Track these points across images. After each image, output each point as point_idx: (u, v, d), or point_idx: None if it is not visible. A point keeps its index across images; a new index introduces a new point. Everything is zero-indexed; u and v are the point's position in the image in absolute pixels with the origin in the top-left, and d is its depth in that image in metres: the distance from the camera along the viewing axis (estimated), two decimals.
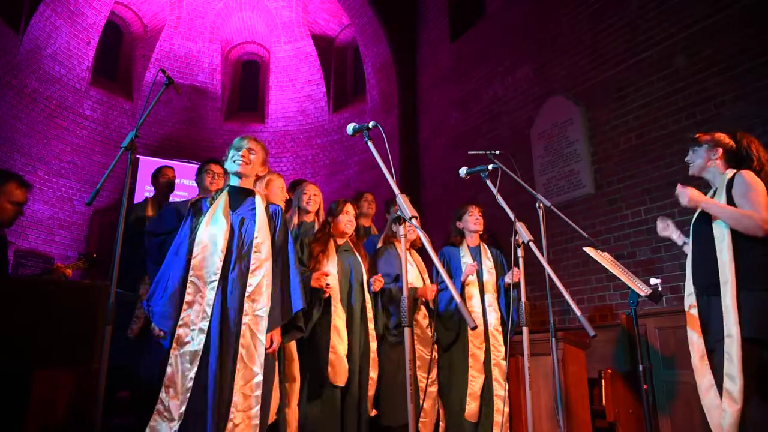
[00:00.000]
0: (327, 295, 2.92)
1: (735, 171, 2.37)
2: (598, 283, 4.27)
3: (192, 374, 2.07)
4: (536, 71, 5.16)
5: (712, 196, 2.43)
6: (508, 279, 3.39)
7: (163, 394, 2.06)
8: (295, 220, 3.36)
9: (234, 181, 2.42)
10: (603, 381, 3.34)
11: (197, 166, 3.56)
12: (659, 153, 3.92)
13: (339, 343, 2.88)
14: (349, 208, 3.22)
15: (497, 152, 2.80)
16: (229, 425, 2.05)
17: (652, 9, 4.12)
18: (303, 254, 3.03)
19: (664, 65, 3.99)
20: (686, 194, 2.40)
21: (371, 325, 3.08)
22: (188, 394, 2.05)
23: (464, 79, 6.16)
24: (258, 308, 2.23)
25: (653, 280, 2.98)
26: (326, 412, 2.81)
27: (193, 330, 2.13)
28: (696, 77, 3.77)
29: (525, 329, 2.35)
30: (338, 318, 2.94)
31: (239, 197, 2.38)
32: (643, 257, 3.95)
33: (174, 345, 2.11)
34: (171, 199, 4.30)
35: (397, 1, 7.27)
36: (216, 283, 2.18)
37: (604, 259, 2.78)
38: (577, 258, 4.41)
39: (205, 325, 2.14)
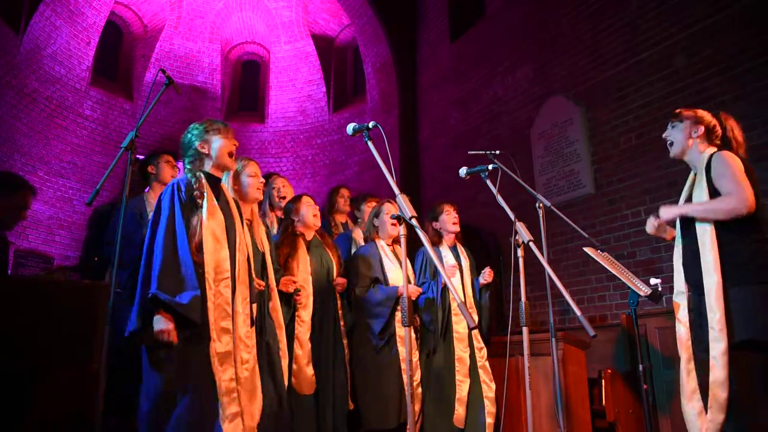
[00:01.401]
0: (299, 301, 2.85)
1: (713, 151, 2.25)
2: (598, 283, 4.27)
3: (231, 374, 2.04)
4: (536, 71, 5.16)
5: (694, 179, 2.33)
6: (482, 280, 3.36)
7: (223, 398, 1.98)
8: (273, 218, 3.25)
9: (212, 170, 2.29)
10: (603, 381, 3.34)
11: None
12: (659, 153, 3.91)
13: (300, 351, 2.83)
14: (308, 200, 3.08)
15: (497, 152, 2.80)
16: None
17: (652, 9, 4.11)
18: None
19: (664, 65, 3.99)
20: (653, 219, 2.42)
21: (341, 323, 3.07)
22: (234, 394, 2.02)
23: (464, 79, 6.16)
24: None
25: (653, 280, 2.98)
26: (301, 417, 2.78)
27: (213, 330, 2.04)
28: (696, 77, 3.77)
29: (525, 329, 2.35)
30: (301, 327, 2.87)
31: (214, 187, 2.27)
32: (643, 257, 3.95)
33: (211, 351, 2.02)
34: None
35: (397, 1, 7.26)
36: (229, 280, 2.13)
37: (603, 259, 2.78)
38: (577, 258, 4.41)
39: (228, 324, 2.07)
